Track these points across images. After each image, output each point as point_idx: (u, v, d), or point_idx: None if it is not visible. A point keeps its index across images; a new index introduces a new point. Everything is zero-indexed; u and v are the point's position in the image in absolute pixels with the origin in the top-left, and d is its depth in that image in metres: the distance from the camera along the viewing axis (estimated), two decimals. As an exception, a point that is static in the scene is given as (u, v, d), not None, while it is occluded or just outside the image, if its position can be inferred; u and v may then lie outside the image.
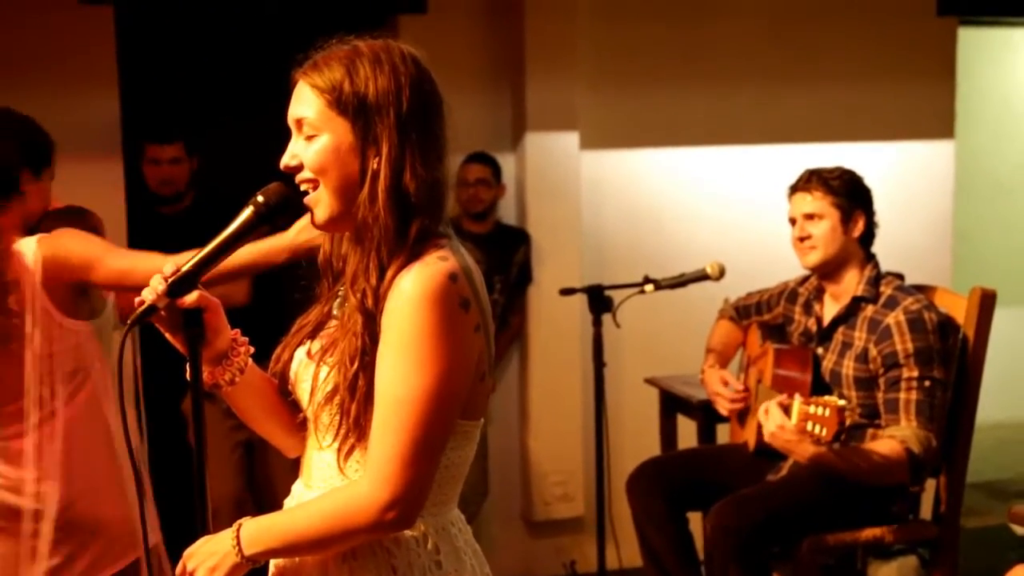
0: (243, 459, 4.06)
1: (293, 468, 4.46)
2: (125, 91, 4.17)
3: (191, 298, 1.59)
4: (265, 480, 4.10)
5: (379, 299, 1.55)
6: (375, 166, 1.56)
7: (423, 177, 1.57)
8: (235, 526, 1.61)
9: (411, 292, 1.51)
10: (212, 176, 4.20)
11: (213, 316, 1.63)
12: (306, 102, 1.59)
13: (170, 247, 2.69)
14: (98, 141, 4.08)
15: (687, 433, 3.93)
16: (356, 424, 1.56)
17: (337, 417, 1.58)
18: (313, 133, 1.59)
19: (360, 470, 1.59)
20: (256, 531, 1.60)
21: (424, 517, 1.61)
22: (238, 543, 1.59)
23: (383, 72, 1.57)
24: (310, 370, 1.63)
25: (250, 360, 1.71)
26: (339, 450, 1.59)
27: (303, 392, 1.66)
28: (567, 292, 3.63)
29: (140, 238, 4.16)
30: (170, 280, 1.58)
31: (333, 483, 1.62)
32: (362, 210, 1.57)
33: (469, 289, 1.55)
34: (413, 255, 1.56)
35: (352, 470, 1.60)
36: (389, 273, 1.55)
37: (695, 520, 3.42)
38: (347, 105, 1.56)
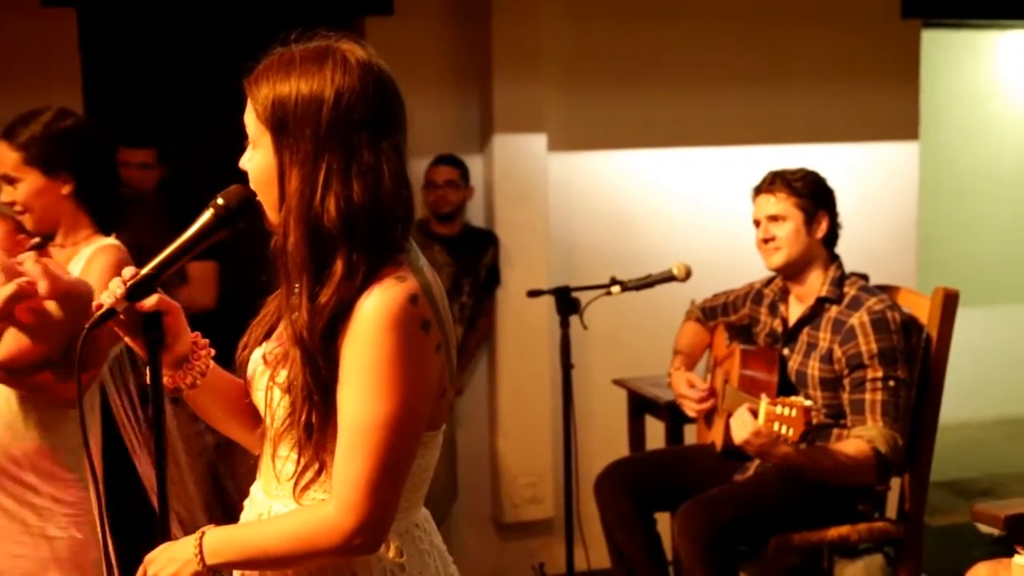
0: (211, 463, 4.03)
1: (255, 471, 4.42)
2: (88, 94, 4.13)
3: (150, 302, 1.57)
4: (231, 485, 4.08)
5: (316, 339, 1.51)
6: (289, 191, 1.51)
7: (348, 205, 1.49)
8: (198, 533, 1.60)
9: (371, 317, 1.48)
10: (175, 179, 4.19)
11: (173, 320, 1.61)
12: (247, 112, 1.57)
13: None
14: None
15: (655, 434, 3.94)
16: (315, 459, 1.56)
17: (295, 453, 1.57)
18: (253, 143, 1.57)
19: (311, 501, 1.59)
20: (219, 541, 1.58)
21: None
22: (200, 552, 1.57)
23: (307, 82, 1.50)
24: (264, 381, 1.61)
25: (212, 362, 1.70)
26: (296, 483, 1.58)
27: (259, 401, 1.65)
28: (535, 294, 3.63)
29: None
30: (129, 284, 1.57)
31: (292, 500, 1.60)
32: (280, 234, 1.53)
33: (430, 309, 1.52)
34: (364, 284, 1.50)
35: (308, 501, 1.59)
36: (325, 312, 1.50)
37: (663, 520, 3.43)
38: (270, 120, 1.52)
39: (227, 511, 3.72)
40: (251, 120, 1.57)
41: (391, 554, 1.61)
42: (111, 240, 2.53)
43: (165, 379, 1.64)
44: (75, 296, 2.26)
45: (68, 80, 4.06)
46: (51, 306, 2.25)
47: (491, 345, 4.61)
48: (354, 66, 1.52)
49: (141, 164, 4.00)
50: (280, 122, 1.51)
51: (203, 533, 1.59)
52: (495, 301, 4.57)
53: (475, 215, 4.58)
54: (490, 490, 4.68)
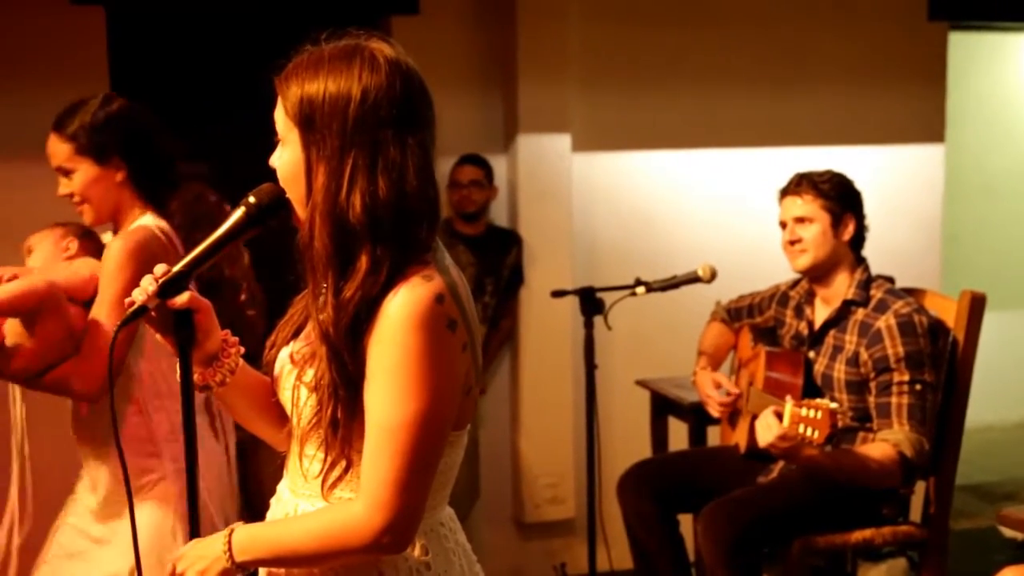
0: (235, 461, 4.04)
1: (282, 469, 4.42)
2: (116, 92, 4.15)
3: (182, 299, 1.58)
4: (255, 482, 4.09)
5: (341, 334, 1.51)
6: (315, 186, 1.52)
7: (374, 200, 1.50)
8: (227, 531, 1.61)
9: (398, 316, 1.49)
10: (205, 177, 4.19)
11: (204, 318, 1.62)
12: (277, 110, 1.58)
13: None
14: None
15: (678, 435, 3.93)
16: (341, 456, 1.56)
17: (321, 452, 1.58)
18: (282, 141, 1.58)
19: (345, 497, 1.59)
20: (248, 539, 1.59)
21: None
22: (229, 549, 1.58)
23: (335, 80, 1.51)
24: (291, 380, 1.62)
25: (241, 360, 1.71)
26: (324, 480, 1.58)
27: (286, 400, 1.65)
28: (559, 294, 3.63)
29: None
30: (160, 281, 1.58)
31: (319, 498, 1.62)
32: (306, 231, 1.54)
33: (456, 308, 1.53)
34: (390, 282, 1.51)
35: (335, 498, 1.60)
36: (350, 307, 1.51)
37: (686, 522, 3.43)
38: (298, 117, 1.53)
39: (250, 512, 3.73)
40: (280, 117, 1.58)
41: (417, 552, 1.62)
42: (142, 221, 2.49)
43: (195, 376, 1.65)
44: (29, 308, 2.29)
45: (96, 78, 4.08)
46: (11, 325, 2.30)
47: (514, 345, 4.61)
48: (382, 64, 1.53)
49: None
50: (308, 118, 1.52)
51: (232, 531, 1.60)
52: (518, 301, 4.57)
53: (499, 215, 4.58)
54: (511, 490, 4.68)
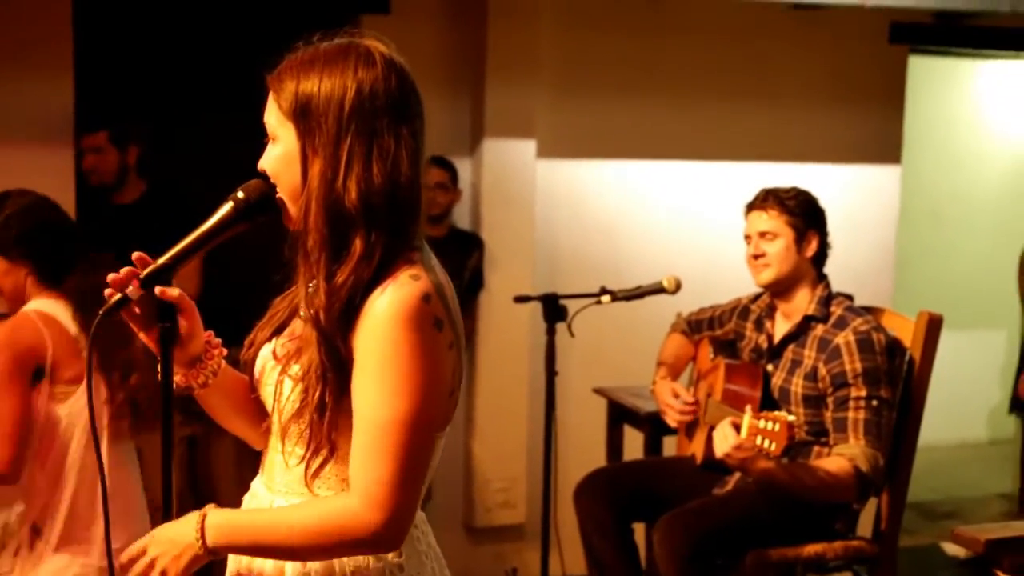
0: (185, 455, 4.01)
1: (236, 463, 4.43)
2: (80, 79, 4.10)
3: (173, 292, 1.58)
4: (206, 475, 4.06)
5: (333, 319, 1.52)
6: (311, 173, 1.54)
7: (369, 187, 1.53)
8: (199, 515, 1.58)
9: (385, 314, 1.50)
10: (172, 167, 4.16)
11: (188, 319, 1.62)
12: (269, 107, 1.59)
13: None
14: (51, 129, 4.02)
15: (633, 444, 3.96)
16: (326, 442, 1.56)
17: (306, 434, 1.57)
18: (274, 138, 1.59)
19: (326, 488, 1.59)
20: (225, 525, 1.57)
21: None
22: (202, 534, 1.56)
23: (331, 75, 1.54)
24: (274, 375, 1.62)
25: (223, 361, 1.70)
26: (307, 468, 1.58)
27: (267, 395, 1.65)
28: (522, 300, 3.63)
29: (92, 228, 4.11)
30: (144, 273, 1.57)
31: (299, 492, 1.61)
32: (301, 216, 1.56)
33: (442, 307, 1.54)
34: (379, 274, 1.53)
35: (318, 487, 1.60)
36: (343, 292, 1.52)
37: (639, 530, 3.45)
38: (294, 111, 1.55)
39: (200, 502, 3.70)
40: (273, 114, 1.59)
41: (390, 554, 1.61)
42: (25, 308, 2.63)
43: (177, 378, 1.65)
44: None
45: (60, 64, 4.03)
46: None
47: (471, 348, 4.61)
48: (377, 58, 1.56)
49: (94, 148, 3.98)
50: (304, 110, 1.54)
51: (204, 515, 1.58)
52: (477, 304, 4.57)
53: (462, 218, 4.58)
54: (463, 493, 4.68)
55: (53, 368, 2.56)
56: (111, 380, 2.62)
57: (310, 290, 1.57)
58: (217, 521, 1.57)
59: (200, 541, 1.56)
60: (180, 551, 1.57)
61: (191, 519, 1.58)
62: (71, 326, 2.59)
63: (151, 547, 1.60)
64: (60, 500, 2.58)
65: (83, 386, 2.54)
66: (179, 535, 1.58)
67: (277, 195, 1.60)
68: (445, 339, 1.54)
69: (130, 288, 1.56)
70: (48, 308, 2.61)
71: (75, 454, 2.58)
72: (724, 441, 2.93)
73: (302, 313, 1.64)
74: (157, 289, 1.57)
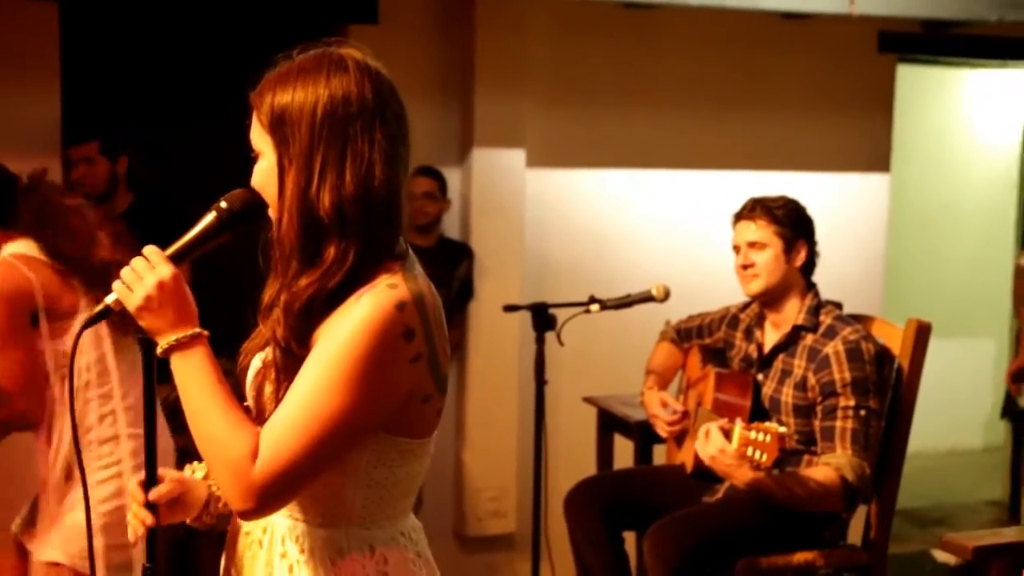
0: (177, 467, 3.99)
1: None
2: (68, 91, 4.10)
3: (162, 489, 1.62)
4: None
5: (289, 322, 1.54)
6: (287, 182, 1.55)
7: (342, 194, 1.52)
8: (196, 330, 1.57)
9: (355, 317, 1.51)
10: (157, 179, 4.15)
11: (186, 497, 1.67)
12: (252, 124, 1.60)
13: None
14: (37, 140, 4.02)
15: (623, 453, 3.96)
16: None
17: None
18: (258, 154, 1.60)
19: (297, 508, 1.60)
20: (197, 360, 1.56)
21: (371, 529, 1.62)
22: (173, 346, 1.56)
23: (304, 85, 1.54)
24: (259, 381, 1.63)
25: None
26: None
27: (253, 399, 1.66)
28: (511, 309, 3.64)
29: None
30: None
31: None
32: (276, 227, 1.57)
33: (417, 317, 1.54)
34: (354, 282, 1.54)
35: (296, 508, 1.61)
36: (303, 295, 1.53)
37: (629, 539, 3.45)
38: (271, 123, 1.56)
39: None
40: (256, 131, 1.60)
41: (374, 562, 1.61)
42: (2, 256, 2.63)
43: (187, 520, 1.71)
44: None
45: (47, 75, 4.03)
46: None
47: (461, 358, 4.61)
48: (349, 65, 1.57)
49: (84, 159, 3.96)
50: (279, 121, 1.55)
51: (201, 336, 1.57)
52: (467, 314, 4.57)
53: (451, 228, 4.59)
54: (453, 502, 4.68)
55: (47, 305, 2.56)
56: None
57: (273, 298, 1.59)
58: (193, 354, 1.56)
59: (166, 347, 1.56)
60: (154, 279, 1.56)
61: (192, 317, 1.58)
62: (45, 258, 2.59)
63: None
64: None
65: (80, 316, 2.55)
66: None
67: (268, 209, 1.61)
68: (411, 351, 1.53)
69: (112, 299, 1.58)
70: (21, 249, 2.61)
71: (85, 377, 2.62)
72: (711, 445, 2.94)
73: None
74: (152, 494, 1.60)
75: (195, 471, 1.75)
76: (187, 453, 4.16)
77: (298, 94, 1.53)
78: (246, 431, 1.52)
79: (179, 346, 1.55)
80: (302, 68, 1.56)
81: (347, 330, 1.50)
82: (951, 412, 6.87)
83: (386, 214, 1.56)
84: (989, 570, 2.58)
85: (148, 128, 4.35)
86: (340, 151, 1.53)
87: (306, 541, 1.61)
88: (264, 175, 1.59)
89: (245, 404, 1.69)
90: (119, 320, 1.61)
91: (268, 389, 1.59)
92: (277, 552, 1.62)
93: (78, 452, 1.74)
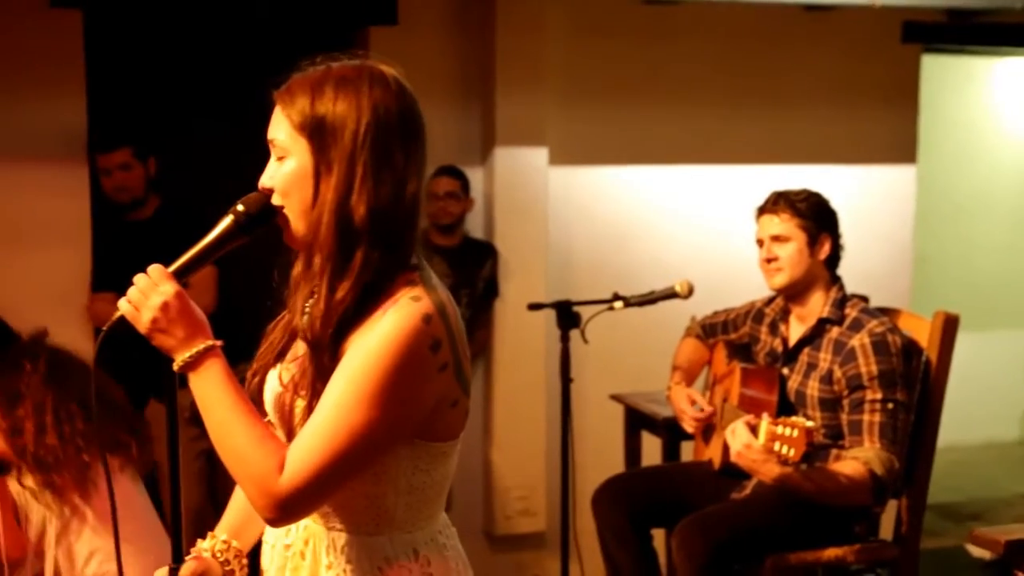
0: (204, 468, 4.02)
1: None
2: (94, 97, 4.13)
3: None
4: (226, 491, 4.06)
5: (327, 332, 1.55)
6: (325, 188, 1.56)
7: (377, 204, 1.56)
8: (210, 342, 1.58)
9: (383, 331, 1.52)
10: (181, 182, 4.17)
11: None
12: (277, 124, 1.60)
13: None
14: (64, 147, 4.05)
15: (651, 450, 3.94)
16: None
17: None
18: (282, 155, 1.60)
19: (342, 501, 1.60)
20: (214, 374, 1.57)
21: (412, 532, 1.65)
22: (196, 355, 1.56)
23: (346, 94, 1.56)
24: (284, 400, 1.63)
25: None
26: None
27: (278, 420, 1.66)
28: (536, 307, 3.63)
29: (106, 246, 4.12)
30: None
31: (320, 510, 1.63)
32: (311, 231, 1.58)
33: (443, 327, 1.56)
34: (376, 292, 1.55)
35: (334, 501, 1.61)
36: (340, 307, 1.54)
37: (658, 536, 3.43)
38: (308, 127, 1.57)
39: (220, 515, 3.70)
40: (284, 130, 1.59)
41: (419, 562, 1.64)
42: None
43: None
44: None
45: (72, 82, 4.06)
46: None
47: (487, 357, 4.61)
48: (390, 81, 1.60)
49: (121, 166, 3.96)
50: (319, 127, 1.56)
51: (214, 346, 1.58)
52: (492, 313, 4.57)
53: (474, 227, 4.59)
54: (482, 501, 4.68)
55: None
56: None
57: (308, 307, 1.59)
58: (213, 367, 1.56)
59: (182, 361, 1.56)
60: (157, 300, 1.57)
61: (203, 330, 1.58)
62: None
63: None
64: None
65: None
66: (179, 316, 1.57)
67: (282, 211, 1.60)
68: (438, 361, 1.55)
69: (124, 309, 1.58)
70: None
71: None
72: (738, 440, 2.92)
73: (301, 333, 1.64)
74: None
75: (203, 551, 1.80)
76: (213, 455, 4.17)
77: (341, 103, 1.56)
78: (270, 445, 1.53)
79: (194, 362, 1.56)
80: (343, 77, 1.58)
81: (375, 344, 1.51)
82: (986, 404, 6.81)
83: (410, 225, 1.61)
84: (1022, 564, 2.55)
85: (172, 131, 4.38)
86: (379, 163, 1.56)
87: (352, 551, 1.62)
88: (292, 178, 1.58)
89: (267, 420, 1.70)
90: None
91: (300, 405, 1.59)
92: (323, 564, 1.64)
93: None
